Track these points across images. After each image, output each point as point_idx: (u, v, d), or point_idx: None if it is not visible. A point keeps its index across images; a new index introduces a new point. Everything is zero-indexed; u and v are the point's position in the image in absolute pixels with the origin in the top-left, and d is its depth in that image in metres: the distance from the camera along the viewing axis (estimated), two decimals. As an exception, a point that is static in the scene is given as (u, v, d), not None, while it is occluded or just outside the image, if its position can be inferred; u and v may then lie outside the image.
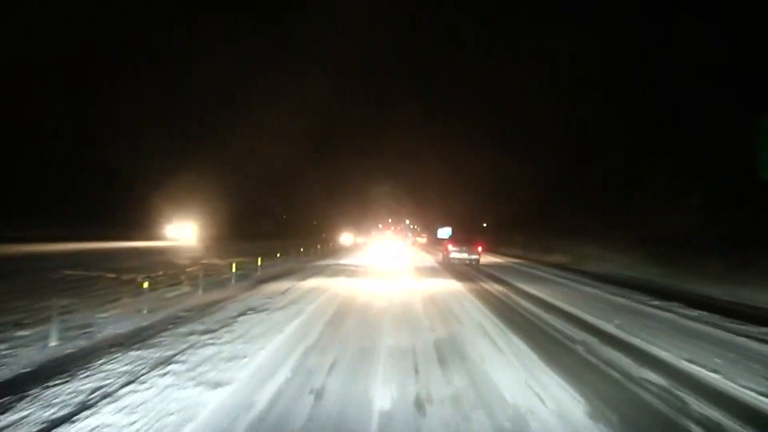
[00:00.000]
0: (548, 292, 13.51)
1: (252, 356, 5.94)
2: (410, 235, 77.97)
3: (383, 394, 4.75)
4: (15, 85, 36.74)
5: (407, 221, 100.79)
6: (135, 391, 4.64)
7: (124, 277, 13.11)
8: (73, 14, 39.68)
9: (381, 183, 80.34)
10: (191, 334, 7.07)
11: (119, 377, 5.06)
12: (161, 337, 6.90)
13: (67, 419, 3.99)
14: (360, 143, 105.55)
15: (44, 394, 4.53)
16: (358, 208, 76.82)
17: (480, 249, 24.21)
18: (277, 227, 56.17)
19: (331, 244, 41.17)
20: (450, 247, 24.56)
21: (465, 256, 23.70)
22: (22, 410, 4.14)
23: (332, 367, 5.63)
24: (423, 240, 67.45)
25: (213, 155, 48.20)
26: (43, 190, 40.75)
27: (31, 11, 38.79)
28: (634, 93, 31.74)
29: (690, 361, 6.40)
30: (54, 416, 4.06)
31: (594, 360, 6.37)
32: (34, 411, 4.14)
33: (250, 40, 65.97)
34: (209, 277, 13.67)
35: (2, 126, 36.49)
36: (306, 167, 68.72)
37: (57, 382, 4.85)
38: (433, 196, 69.95)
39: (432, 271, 19.92)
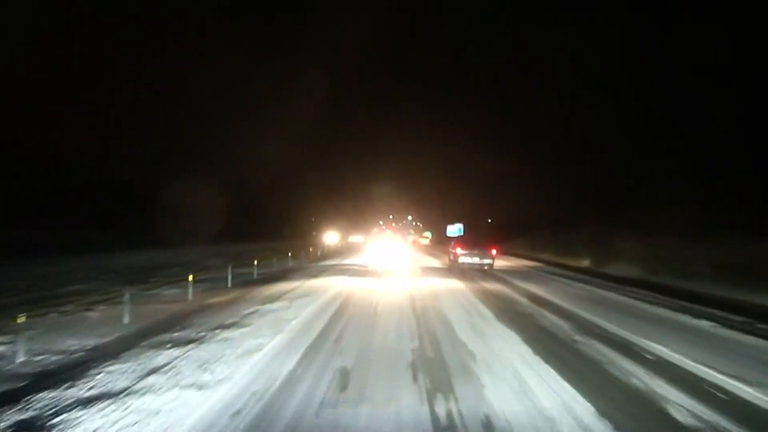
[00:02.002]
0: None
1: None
2: (412, 232, 71.22)
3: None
4: None
5: (409, 217, 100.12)
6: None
7: None
8: (72, 12, 39.55)
9: (382, 181, 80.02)
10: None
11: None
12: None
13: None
14: (361, 142, 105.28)
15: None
16: (359, 206, 76.43)
17: (494, 252, 20.71)
18: (256, 226, 55.00)
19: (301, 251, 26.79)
20: (458, 250, 20.70)
21: (477, 260, 20.22)
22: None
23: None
24: (426, 240, 57.72)
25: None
26: None
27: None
28: (634, 93, 32.09)
29: None
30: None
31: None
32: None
33: (250, 40, 66.18)
34: None
35: None
36: (304, 166, 68.88)
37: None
38: (436, 193, 68.75)
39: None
